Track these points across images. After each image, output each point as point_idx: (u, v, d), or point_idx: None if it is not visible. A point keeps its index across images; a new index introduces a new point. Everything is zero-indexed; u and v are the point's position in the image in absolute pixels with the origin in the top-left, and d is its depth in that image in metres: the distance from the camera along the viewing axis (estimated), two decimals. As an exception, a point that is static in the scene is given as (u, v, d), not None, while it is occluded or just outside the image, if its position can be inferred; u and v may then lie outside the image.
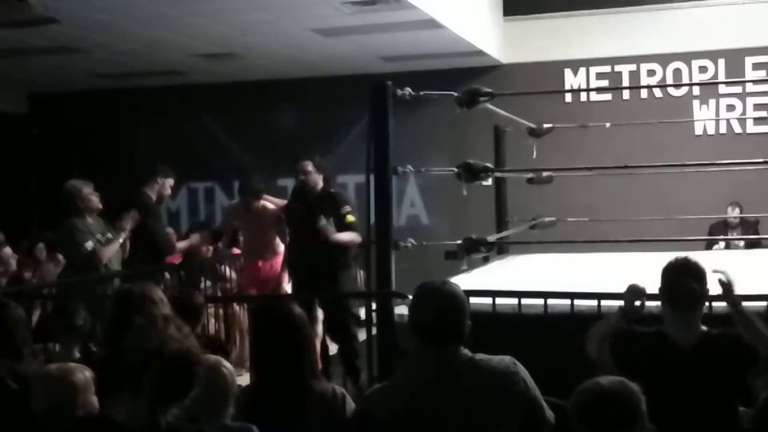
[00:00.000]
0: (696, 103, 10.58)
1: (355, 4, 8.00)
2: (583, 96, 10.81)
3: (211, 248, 8.73)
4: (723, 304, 3.66)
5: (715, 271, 3.55)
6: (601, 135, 9.45)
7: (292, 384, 3.17)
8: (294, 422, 3.13)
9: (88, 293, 6.48)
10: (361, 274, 8.42)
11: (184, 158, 12.04)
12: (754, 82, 10.24)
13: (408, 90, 5.38)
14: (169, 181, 7.44)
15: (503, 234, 7.81)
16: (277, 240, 7.50)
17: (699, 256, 3.69)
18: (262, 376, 3.27)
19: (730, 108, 10.55)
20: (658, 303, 3.65)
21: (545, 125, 8.14)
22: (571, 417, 2.65)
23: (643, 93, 10.67)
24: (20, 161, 12.69)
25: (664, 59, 10.59)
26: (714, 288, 3.58)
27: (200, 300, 4.30)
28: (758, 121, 10.35)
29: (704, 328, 3.53)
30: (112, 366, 3.26)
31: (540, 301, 4.64)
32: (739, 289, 3.88)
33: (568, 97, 10.81)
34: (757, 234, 9.29)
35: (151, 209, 7.17)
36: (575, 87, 10.87)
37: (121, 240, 6.69)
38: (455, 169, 5.77)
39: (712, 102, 10.56)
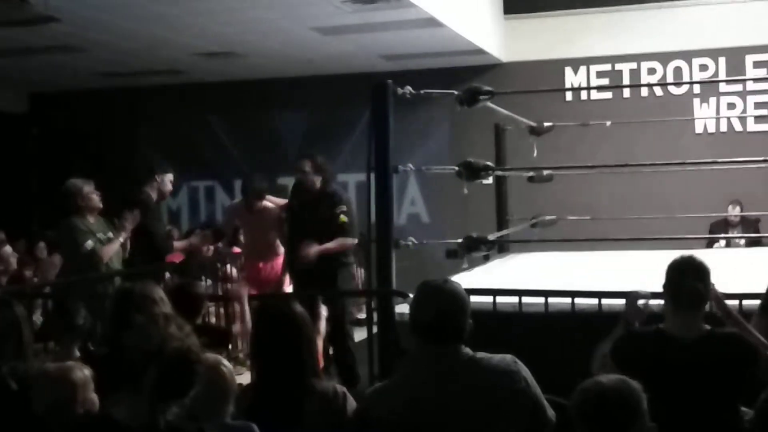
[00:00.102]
0: (696, 101, 10.58)
1: (356, 2, 8.00)
2: (584, 94, 10.81)
3: (212, 247, 8.73)
4: (730, 302, 3.66)
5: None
6: (601, 133, 9.46)
7: (292, 382, 3.17)
8: (294, 421, 3.13)
9: (89, 292, 6.48)
10: (360, 273, 8.42)
11: (184, 157, 12.07)
12: (755, 80, 10.23)
13: (408, 89, 5.37)
14: (168, 177, 7.43)
15: (504, 232, 7.80)
16: (279, 241, 7.49)
17: (700, 255, 3.69)
18: (263, 375, 3.27)
19: (731, 106, 10.54)
20: (659, 302, 3.65)
21: (546, 124, 8.14)
22: (572, 415, 2.65)
23: (644, 91, 10.67)
24: (20, 160, 12.70)
25: (664, 57, 10.59)
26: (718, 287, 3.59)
27: (200, 290, 4.29)
28: (759, 119, 10.35)
29: (706, 326, 3.53)
30: (112, 365, 3.26)
31: (541, 300, 4.64)
32: (739, 287, 3.90)
33: (569, 96, 10.81)
34: (758, 232, 9.28)
35: (150, 208, 7.16)
36: (576, 85, 10.87)
37: (121, 239, 6.68)
38: (456, 168, 5.76)
39: (712, 100, 10.56)
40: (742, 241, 9.15)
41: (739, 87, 10.45)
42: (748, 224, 9.58)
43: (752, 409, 3.31)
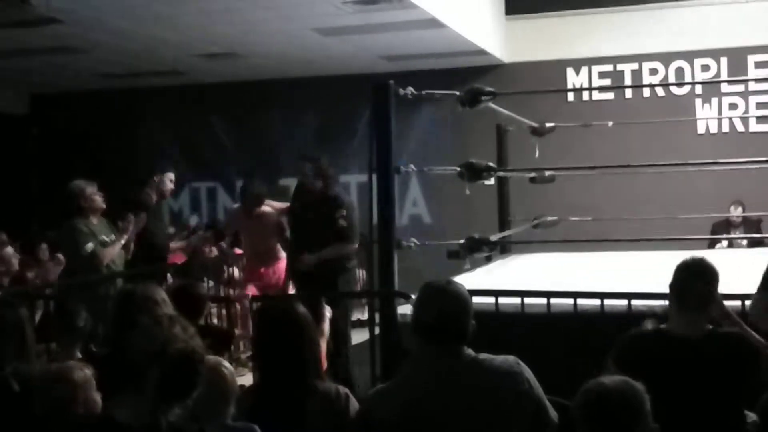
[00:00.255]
0: (698, 101, 10.57)
1: (357, 3, 8.00)
2: (586, 95, 10.81)
3: (214, 248, 8.73)
4: (732, 302, 3.66)
5: None
6: (603, 134, 9.45)
7: (295, 384, 3.17)
8: (297, 422, 3.12)
9: (90, 294, 6.47)
10: (362, 274, 8.42)
11: (185, 158, 12.08)
12: (757, 80, 10.22)
13: (410, 89, 5.37)
14: (168, 176, 7.43)
15: (506, 233, 7.80)
16: (279, 245, 7.47)
17: (701, 254, 3.68)
18: (266, 376, 3.26)
19: (733, 107, 10.53)
20: (662, 302, 3.65)
21: (547, 124, 8.14)
22: (575, 416, 2.64)
23: (646, 92, 10.66)
24: (21, 161, 12.70)
25: (666, 58, 10.59)
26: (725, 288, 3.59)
27: (202, 291, 4.29)
28: (761, 119, 10.33)
29: (709, 326, 3.53)
30: (114, 365, 3.26)
31: (543, 301, 4.63)
32: (742, 288, 3.89)
33: (571, 96, 10.81)
34: (760, 233, 9.28)
35: (149, 208, 7.16)
36: (577, 86, 10.87)
37: (123, 242, 6.68)
38: (458, 169, 5.76)
39: (714, 101, 10.55)
40: (744, 242, 9.14)
41: (741, 87, 10.44)
42: (750, 225, 9.56)
43: (754, 412, 3.32)
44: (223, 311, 7.48)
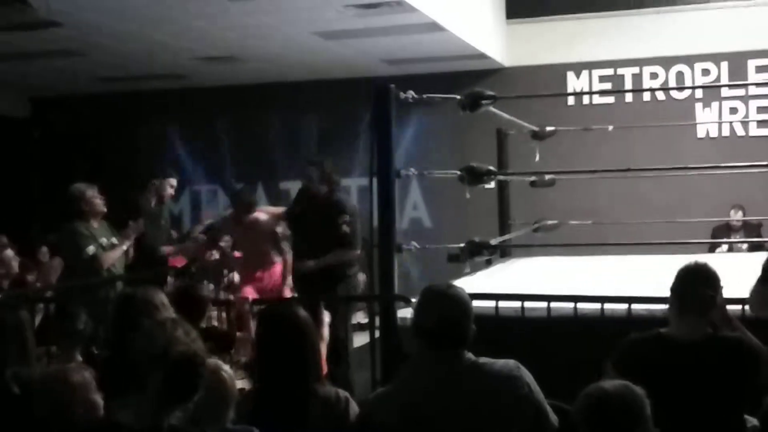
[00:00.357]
0: (699, 106, 10.57)
1: (358, 7, 8.00)
2: (586, 99, 10.82)
3: (215, 252, 8.72)
4: (733, 307, 3.67)
5: None
6: (603, 138, 9.45)
7: (295, 388, 3.17)
8: (297, 426, 3.12)
9: (90, 297, 6.47)
10: (363, 279, 8.41)
11: (186, 161, 12.08)
12: (757, 85, 10.22)
13: (411, 93, 5.37)
14: (169, 181, 7.43)
15: (506, 237, 7.80)
16: (274, 250, 7.44)
17: (703, 260, 3.68)
18: (266, 380, 3.26)
19: (733, 111, 10.54)
20: (662, 307, 3.64)
21: (548, 128, 8.13)
22: (576, 421, 2.64)
23: (646, 96, 10.66)
24: (22, 164, 12.70)
25: (666, 62, 10.59)
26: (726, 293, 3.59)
27: (204, 293, 4.29)
28: (761, 123, 10.34)
29: (709, 330, 3.53)
30: (116, 368, 3.26)
31: (543, 305, 4.63)
32: (742, 293, 3.89)
33: (571, 100, 10.81)
34: (760, 237, 9.28)
35: (145, 212, 7.17)
36: (578, 90, 10.87)
37: (124, 247, 6.68)
38: (458, 172, 5.76)
39: (714, 105, 10.55)
40: (745, 246, 9.14)
41: (741, 91, 10.44)
42: (751, 229, 9.56)
43: (755, 417, 3.32)
44: (223, 314, 7.48)
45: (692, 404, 3.35)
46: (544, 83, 10.48)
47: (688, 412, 3.31)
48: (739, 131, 10.51)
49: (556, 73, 10.80)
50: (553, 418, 3.02)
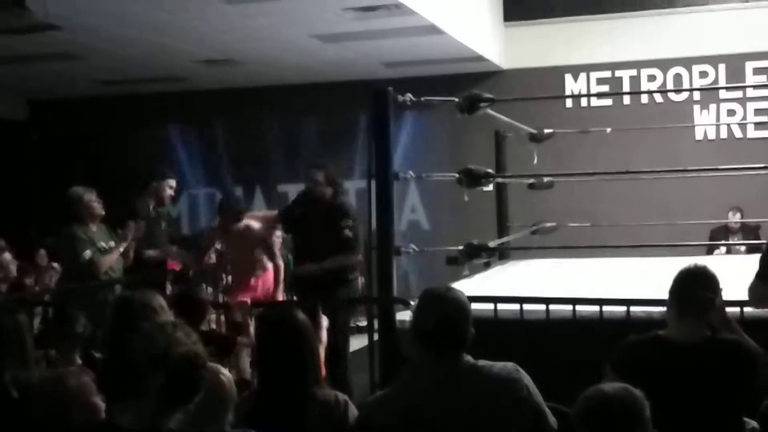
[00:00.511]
0: (696, 108, 10.59)
1: (357, 10, 8.01)
2: (584, 101, 10.82)
3: (213, 255, 8.70)
4: (731, 309, 3.67)
5: None
6: (601, 140, 9.47)
7: (294, 391, 3.17)
8: (296, 429, 3.12)
9: (88, 300, 6.46)
10: (361, 282, 8.40)
11: (184, 164, 12.08)
12: (755, 87, 10.24)
13: (409, 96, 5.37)
14: (168, 182, 7.41)
15: (504, 239, 7.80)
16: (265, 256, 7.39)
17: (701, 262, 3.69)
18: (265, 383, 3.26)
19: (731, 113, 10.55)
20: (660, 309, 3.65)
21: (546, 131, 8.13)
22: (575, 423, 2.64)
23: (644, 98, 10.69)
24: (20, 167, 12.70)
25: (664, 64, 10.60)
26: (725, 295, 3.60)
27: (204, 297, 4.28)
28: (759, 126, 10.35)
29: (707, 332, 3.53)
30: (112, 372, 3.26)
31: (542, 307, 4.63)
32: (740, 295, 3.89)
33: (569, 103, 10.82)
34: (758, 239, 9.27)
35: (142, 215, 7.16)
36: (576, 92, 10.87)
37: (121, 249, 6.67)
38: (456, 175, 5.76)
39: (712, 107, 10.57)
40: (743, 248, 9.15)
41: (739, 94, 10.46)
42: (749, 231, 9.57)
43: (754, 419, 3.32)
44: (222, 317, 7.47)
45: (691, 406, 3.35)
46: (542, 86, 10.48)
47: (686, 415, 3.31)
48: (737, 133, 10.52)
49: (554, 75, 10.81)
50: (552, 420, 3.02)
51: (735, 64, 10.34)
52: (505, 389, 2.95)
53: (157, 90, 11.91)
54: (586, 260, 7.51)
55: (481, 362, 3.00)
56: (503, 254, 8.15)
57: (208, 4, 7.71)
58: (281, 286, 7.22)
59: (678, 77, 10.61)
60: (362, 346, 6.06)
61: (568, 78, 10.89)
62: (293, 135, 11.98)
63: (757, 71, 10.30)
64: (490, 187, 7.55)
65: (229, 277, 8.49)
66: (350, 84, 11.01)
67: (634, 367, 3.34)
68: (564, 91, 10.82)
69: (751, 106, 10.48)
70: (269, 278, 7.32)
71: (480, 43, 10.03)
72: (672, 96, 10.61)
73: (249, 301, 6.90)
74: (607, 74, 10.80)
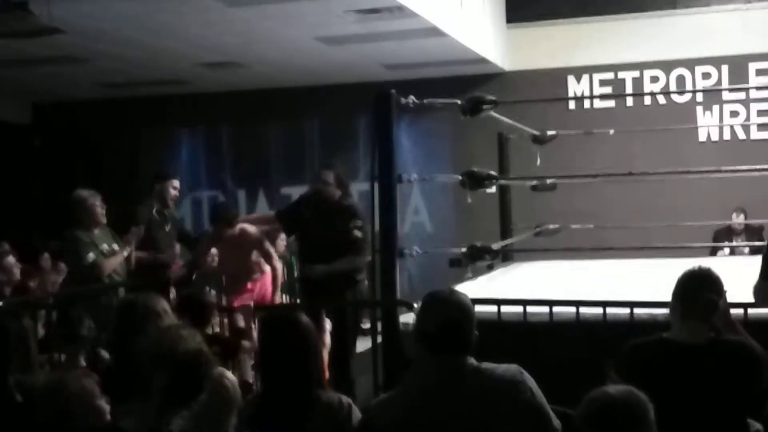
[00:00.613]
0: (700, 109, 10.58)
1: (359, 12, 8.01)
2: (587, 103, 10.82)
3: (216, 258, 8.70)
4: (734, 311, 3.67)
5: None
6: (604, 142, 9.47)
7: (298, 393, 3.17)
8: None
9: (92, 303, 6.48)
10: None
11: (187, 167, 12.09)
12: (758, 88, 10.24)
13: (412, 98, 5.37)
14: (171, 183, 7.42)
15: (508, 241, 7.80)
16: (263, 259, 7.38)
17: (704, 263, 3.69)
18: (268, 386, 3.26)
19: (734, 114, 10.55)
20: (664, 311, 3.64)
21: (549, 132, 8.14)
22: (579, 426, 2.64)
23: (647, 100, 10.68)
24: (23, 170, 12.72)
25: (667, 66, 10.60)
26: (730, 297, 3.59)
27: (209, 299, 4.27)
28: (762, 127, 10.35)
29: (711, 334, 3.53)
30: (119, 375, 3.26)
31: (545, 309, 4.63)
32: (744, 296, 3.89)
33: (572, 104, 10.81)
34: (762, 240, 9.24)
35: (143, 219, 7.17)
36: (578, 94, 10.87)
37: (125, 253, 6.68)
38: (459, 177, 5.76)
39: (715, 108, 10.56)
40: (747, 249, 9.13)
41: (742, 95, 10.45)
42: (752, 232, 9.55)
43: (758, 421, 3.32)
44: (225, 320, 7.47)
45: (695, 408, 3.34)
46: (544, 87, 10.48)
47: (690, 416, 3.31)
48: (740, 134, 10.52)
49: (557, 77, 10.81)
50: (556, 422, 3.02)
51: (738, 65, 10.33)
52: (508, 391, 2.95)
53: (160, 93, 11.92)
54: (590, 262, 7.51)
55: (485, 364, 3.00)
56: (506, 256, 8.14)
57: (210, 7, 7.72)
58: (279, 290, 7.21)
59: (681, 79, 10.61)
60: (366, 349, 6.06)
61: (571, 80, 10.89)
62: (296, 137, 11.99)
63: (760, 72, 10.30)
64: (493, 189, 7.58)
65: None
66: (353, 86, 11.02)
67: (638, 370, 3.33)
68: (567, 93, 10.81)
69: (755, 107, 10.47)
70: (267, 282, 7.31)
71: (482, 45, 10.03)
72: (675, 97, 10.61)
73: (252, 304, 6.91)
74: (610, 76, 10.79)
